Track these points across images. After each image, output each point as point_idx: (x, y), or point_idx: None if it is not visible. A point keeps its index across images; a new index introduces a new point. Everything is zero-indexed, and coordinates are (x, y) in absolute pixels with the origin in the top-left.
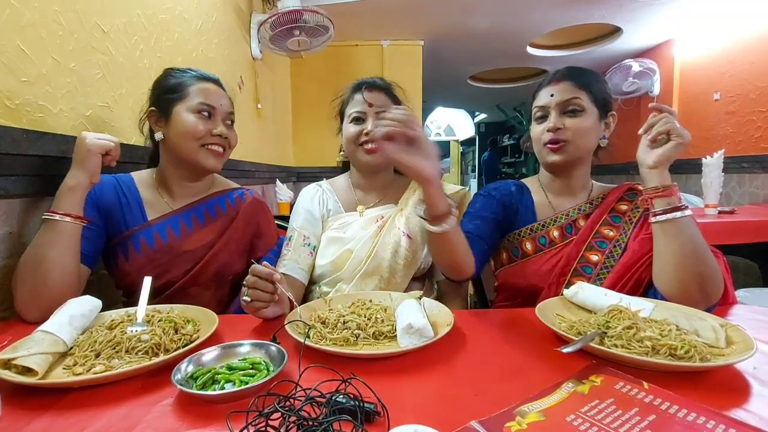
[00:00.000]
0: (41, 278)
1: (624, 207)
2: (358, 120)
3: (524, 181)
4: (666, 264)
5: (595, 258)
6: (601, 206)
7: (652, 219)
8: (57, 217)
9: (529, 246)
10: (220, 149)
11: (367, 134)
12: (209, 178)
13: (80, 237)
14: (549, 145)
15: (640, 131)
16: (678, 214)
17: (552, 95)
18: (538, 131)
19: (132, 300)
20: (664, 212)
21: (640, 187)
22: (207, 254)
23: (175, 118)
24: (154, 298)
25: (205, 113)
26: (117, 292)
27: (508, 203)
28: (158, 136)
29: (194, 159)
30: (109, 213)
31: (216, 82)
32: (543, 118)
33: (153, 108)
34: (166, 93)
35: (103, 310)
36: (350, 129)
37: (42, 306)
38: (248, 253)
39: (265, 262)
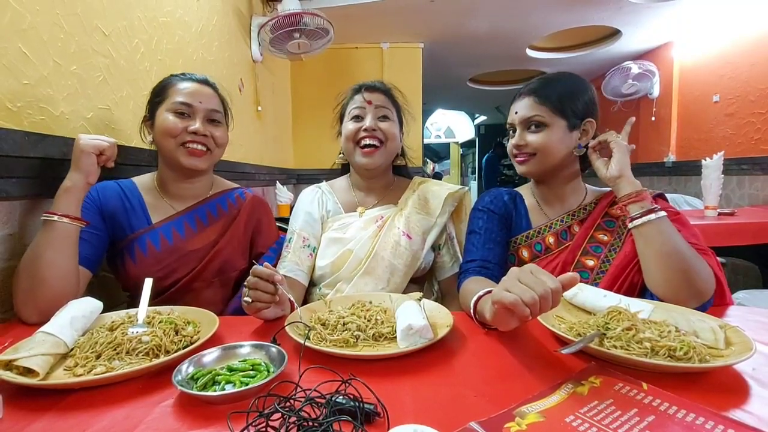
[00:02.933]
0: (38, 279)
1: (617, 211)
2: (358, 117)
3: (517, 189)
4: (651, 265)
5: (591, 263)
6: (595, 211)
7: (630, 224)
8: (55, 218)
9: (525, 253)
10: (201, 148)
11: (366, 130)
12: (207, 179)
13: (78, 238)
14: (517, 158)
15: (591, 147)
16: (652, 216)
17: (516, 112)
18: (509, 145)
19: (136, 303)
20: (641, 215)
21: None
22: (211, 251)
23: (157, 119)
24: (160, 296)
25: (183, 111)
26: (118, 294)
27: (507, 216)
28: (149, 139)
29: (174, 158)
30: (113, 217)
31: (201, 81)
32: (512, 132)
33: (146, 114)
34: (154, 98)
35: (105, 311)
36: (349, 126)
37: (39, 307)
38: (249, 250)
39: (266, 263)
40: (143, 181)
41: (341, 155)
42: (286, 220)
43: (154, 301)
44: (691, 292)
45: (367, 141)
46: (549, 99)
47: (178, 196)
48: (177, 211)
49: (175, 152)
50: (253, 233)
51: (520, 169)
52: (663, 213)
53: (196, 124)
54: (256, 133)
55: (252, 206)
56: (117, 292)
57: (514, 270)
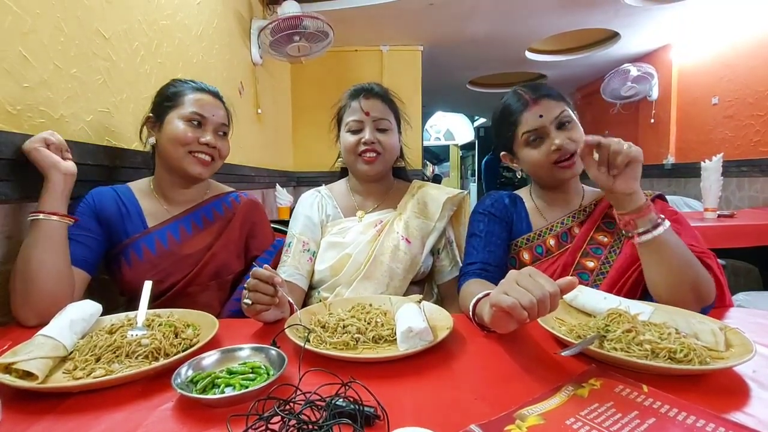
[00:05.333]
0: (29, 280)
1: (621, 225)
2: (357, 131)
3: (517, 192)
4: (658, 277)
5: (591, 264)
6: (594, 213)
7: (638, 240)
8: (41, 216)
9: (526, 256)
10: (208, 158)
11: (365, 143)
12: (204, 184)
13: (66, 236)
14: (562, 164)
15: (597, 172)
16: (660, 229)
17: (541, 116)
18: (539, 155)
19: (135, 306)
20: (648, 231)
21: None
22: (206, 255)
23: (167, 124)
24: (156, 300)
25: (196, 122)
26: (118, 297)
27: (508, 219)
28: (151, 140)
29: (180, 165)
30: (109, 223)
31: (214, 94)
32: (538, 140)
33: (150, 114)
34: (164, 101)
35: (105, 314)
36: (348, 139)
37: (35, 309)
38: (245, 253)
39: (266, 265)
40: (139, 185)
41: (340, 159)
42: (285, 223)
43: (151, 305)
44: (697, 298)
45: (368, 155)
46: (561, 97)
47: (175, 200)
48: (173, 215)
49: (182, 160)
50: (247, 236)
51: (567, 174)
52: (667, 222)
53: (208, 136)
54: (255, 135)
55: (247, 209)
56: (116, 295)
57: (512, 273)
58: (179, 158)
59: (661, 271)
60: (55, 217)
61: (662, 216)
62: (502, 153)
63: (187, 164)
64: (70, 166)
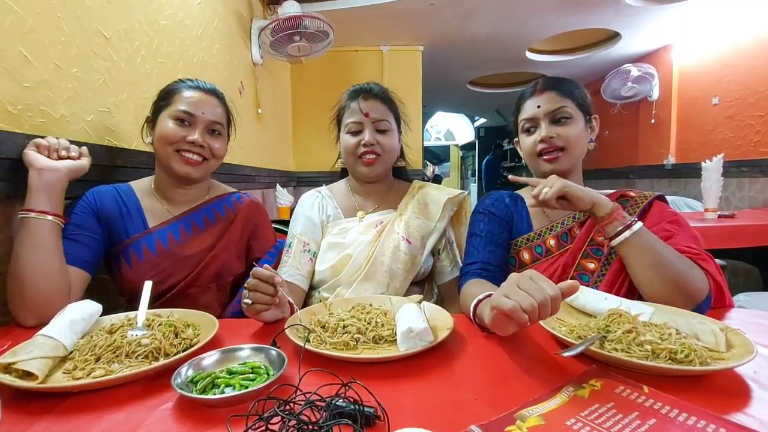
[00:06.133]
0: (18, 280)
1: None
2: (356, 133)
3: (518, 191)
4: (639, 277)
5: (591, 266)
6: None
7: (611, 243)
8: (32, 215)
9: (526, 255)
10: (197, 158)
11: (365, 145)
12: (204, 184)
13: (51, 235)
14: (544, 156)
15: (537, 199)
16: (628, 233)
17: (539, 106)
18: (529, 143)
19: (135, 306)
20: (617, 234)
21: (632, 194)
22: (207, 256)
23: (158, 123)
24: (156, 301)
25: (184, 120)
26: (117, 297)
27: (508, 218)
28: (148, 140)
29: (168, 164)
30: (110, 222)
31: (209, 91)
32: (532, 129)
33: (149, 114)
34: (160, 101)
35: (105, 314)
36: (348, 140)
37: (31, 309)
38: (246, 254)
39: (266, 265)
40: (141, 185)
41: (341, 160)
42: (286, 223)
43: (150, 306)
44: (684, 295)
45: (368, 156)
46: (570, 93)
47: (175, 200)
48: (173, 216)
49: (170, 158)
50: (249, 238)
51: (547, 167)
52: (639, 224)
53: (195, 135)
54: (256, 135)
55: (248, 210)
56: (116, 295)
57: (513, 276)
58: (167, 157)
59: (639, 270)
60: (32, 214)
61: (634, 219)
62: (515, 139)
63: (174, 163)
64: (46, 162)
